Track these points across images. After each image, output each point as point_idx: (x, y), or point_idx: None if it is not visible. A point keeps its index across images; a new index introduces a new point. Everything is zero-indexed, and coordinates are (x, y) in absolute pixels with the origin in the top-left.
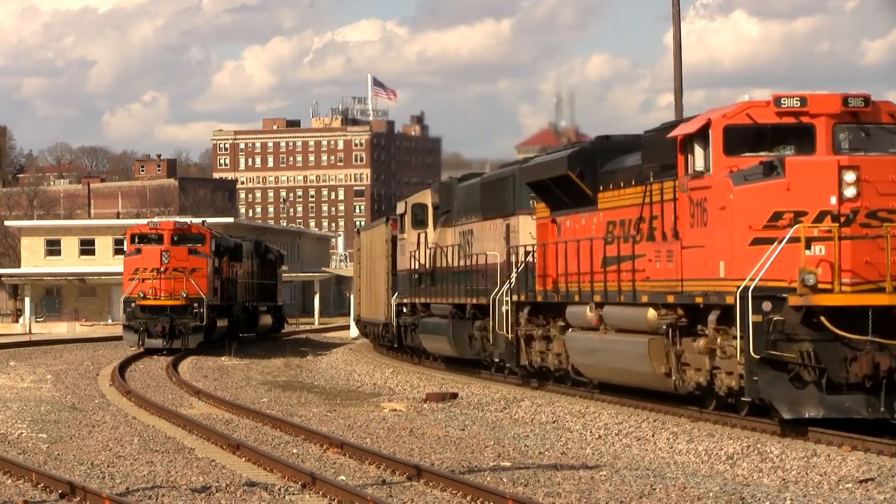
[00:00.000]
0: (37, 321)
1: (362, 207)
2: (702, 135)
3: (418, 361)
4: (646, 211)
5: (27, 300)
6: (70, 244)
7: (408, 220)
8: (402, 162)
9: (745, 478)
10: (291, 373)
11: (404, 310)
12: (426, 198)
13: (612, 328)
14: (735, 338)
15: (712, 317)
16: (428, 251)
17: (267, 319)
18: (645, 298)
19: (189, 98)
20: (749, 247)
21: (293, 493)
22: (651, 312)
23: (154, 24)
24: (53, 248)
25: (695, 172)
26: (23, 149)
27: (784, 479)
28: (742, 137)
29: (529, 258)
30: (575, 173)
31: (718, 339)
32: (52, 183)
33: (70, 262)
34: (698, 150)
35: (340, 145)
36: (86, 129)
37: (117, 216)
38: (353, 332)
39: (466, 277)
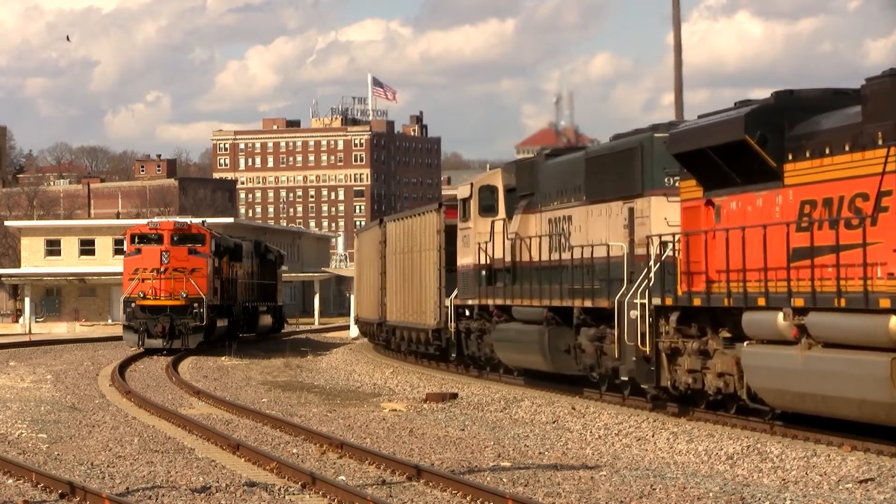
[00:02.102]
0: (37, 321)
1: (362, 207)
2: None
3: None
4: (869, 185)
5: (27, 300)
6: (70, 244)
7: (473, 206)
8: (401, 162)
9: (745, 478)
10: (291, 373)
11: (466, 313)
12: (496, 179)
13: (820, 342)
14: None
15: None
16: (507, 242)
17: (267, 319)
18: (886, 303)
19: (192, 98)
20: None
21: (293, 493)
22: (894, 321)
23: (157, 24)
24: (53, 249)
25: None
26: (23, 149)
27: (784, 479)
28: None
29: (668, 251)
30: (754, 138)
31: None
32: (52, 183)
33: (70, 262)
34: None
35: (340, 145)
36: (88, 130)
37: (117, 216)
38: (353, 332)
39: (564, 275)
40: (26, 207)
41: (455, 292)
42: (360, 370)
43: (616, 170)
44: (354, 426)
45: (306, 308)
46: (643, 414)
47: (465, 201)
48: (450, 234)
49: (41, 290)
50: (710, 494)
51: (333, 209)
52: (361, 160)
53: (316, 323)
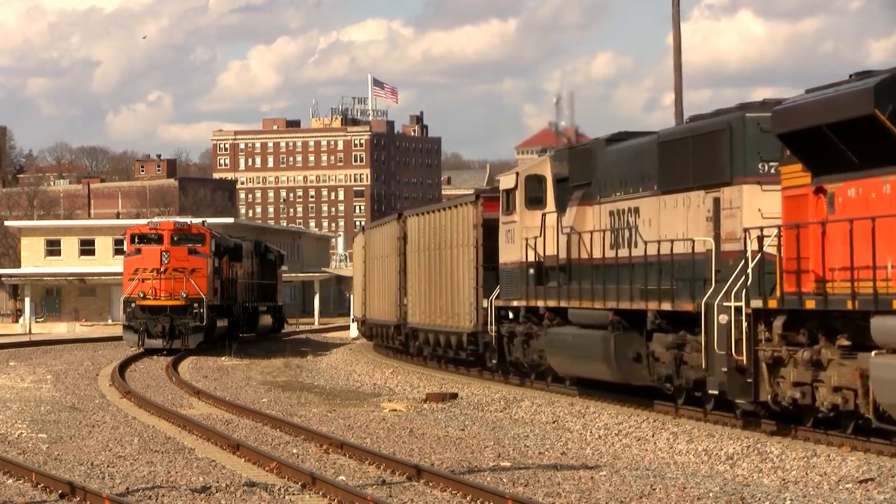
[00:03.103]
0: (37, 321)
1: (362, 207)
2: None
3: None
4: None
5: (27, 300)
6: (70, 244)
7: (519, 197)
8: (401, 162)
9: (745, 478)
10: (291, 373)
11: (510, 315)
12: (544, 167)
13: None
14: None
15: None
16: (561, 237)
17: (267, 319)
18: None
19: (194, 98)
20: None
21: (293, 494)
22: None
23: (159, 24)
24: (53, 249)
25: None
26: (22, 149)
27: (784, 480)
28: None
29: (765, 246)
30: (885, 113)
31: None
32: (52, 183)
33: (70, 262)
34: None
35: (340, 145)
36: (89, 130)
37: (117, 216)
38: (353, 332)
39: (633, 274)
40: (26, 207)
41: (496, 292)
42: (360, 370)
43: (697, 155)
44: (354, 426)
45: (306, 308)
46: (643, 414)
47: (510, 192)
48: (488, 229)
49: (41, 290)
50: (710, 494)
51: (333, 209)
52: (361, 160)
53: (316, 323)
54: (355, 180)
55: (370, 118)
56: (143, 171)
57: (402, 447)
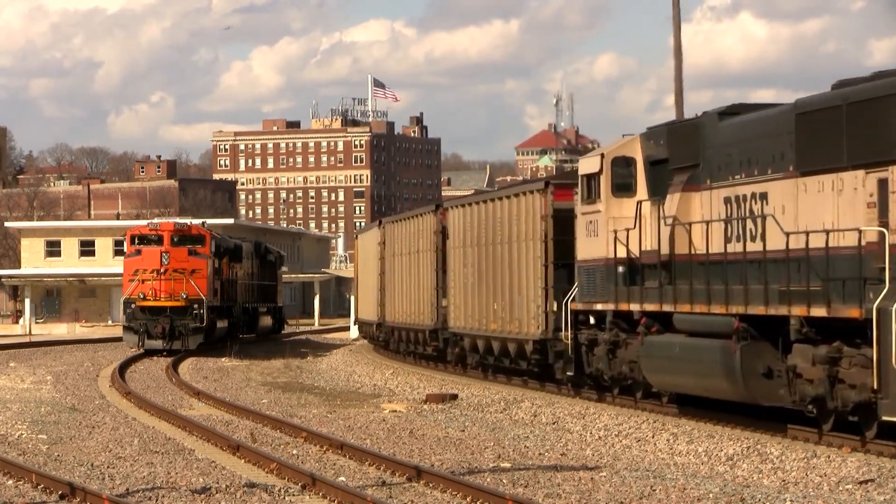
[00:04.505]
0: (37, 322)
1: (362, 208)
2: None
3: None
4: None
5: (27, 301)
6: (70, 245)
7: (604, 183)
8: (401, 163)
9: (745, 479)
10: (291, 374)
11: (591, 320)
12: (633, 148)
13: None
14: None
15: None
16: (663, 229)
17: (267, 320)
18: None
19: (196, 98)
20: None
21: (293, 495)
22: None
23: (162, 25)
24: (53, 249)
25: None
26: (22, 149)
27: (784, 480)
28: None
29: None
30: None
31: None
32: (52, 184)
33: (70, 263)
34: None
35: (340, 146)
36: (91, 130)
37: (117, 217)
38: (354, 333)
39: (764, 272)
40: (26, 208)
41: (571, 294)
42: (361, 371)
43: (853, 128)
44: (354, 427)
45: (306, 309)
46: (643, 415)
47: (592, 178)
48: (558, 221)
49: (41, 290)
50: (710, 495)
51: (333, 210)
52: (361, 161)
53: (316, 324)
54: (355, 181)
55: (370, 119)
56: (143, 171)
57: (402, 448)
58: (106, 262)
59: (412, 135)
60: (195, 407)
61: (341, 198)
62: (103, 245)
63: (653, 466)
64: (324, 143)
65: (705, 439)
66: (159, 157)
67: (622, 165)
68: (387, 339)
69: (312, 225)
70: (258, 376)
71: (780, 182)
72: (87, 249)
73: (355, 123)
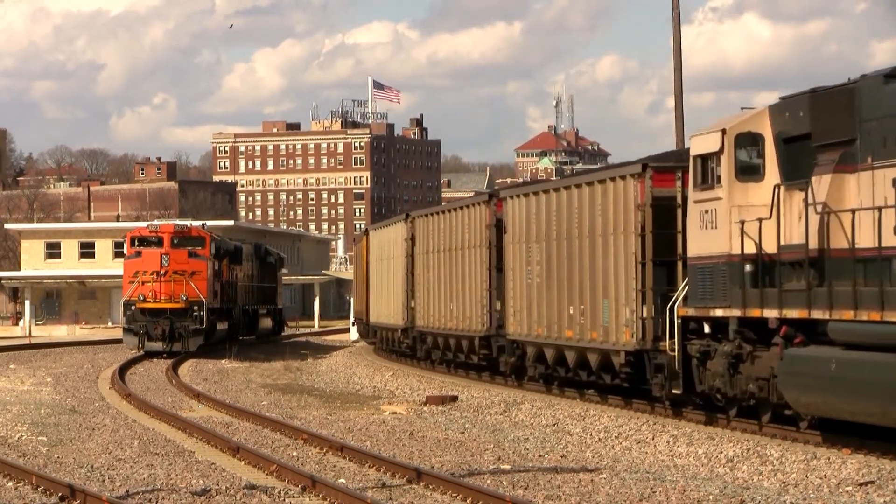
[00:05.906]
0: (37, 324)
1: (362, 210)
2: None
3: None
4: None
5: (27, 303)
6: (70, 247)
7: (726, 164)
8: (401, 165)
9: (745, 480)
10: (291, 376)
11: (706, 328)
12: (760, 122)
13: None
14: None
15: None
16: (813, 217)
17: (267, 322)
18: None
19: (198, 101)
20: None
21: (293, 496)
22: None
23: (165, 27)
24: (53, 251)
25: None
26: (23, 151)
27: (784, 482)
28: None
29: None
30: None
31: None
32: (52, 186)
33: (70, 264)
34: None
35: (340, 148)
36: (93, 132)
37: (117, 219)
38: (353, 335)
39: None
40: (26, 210)
41: (677, 297)
42: (360, 373)
43: None
44: (354, 429)
45: (306, 311)
46: (643, 417)
47: (708, 159)
48: (657, 211)
49: (41, 292)
50: (710, 497)
51: (333, 212)
52: (361, 163)
53: (316, 326)
54: (355, 183)
55: (370, 121)
56: (142, 173)
57: (402, 450)
58: (106, 264)
59: (412, 137)
60: (195, 409)
61: (341, 200)
62: (103, 247)
63: (653, 468)
64: (324, 145)
65: (705, 441)
66: (159, 158)
67: (747, 142)
68: (413, 346)
69: (312, 227)
70: (258, 378)
71: None
72: (87, 251)
73: (355, 125)
